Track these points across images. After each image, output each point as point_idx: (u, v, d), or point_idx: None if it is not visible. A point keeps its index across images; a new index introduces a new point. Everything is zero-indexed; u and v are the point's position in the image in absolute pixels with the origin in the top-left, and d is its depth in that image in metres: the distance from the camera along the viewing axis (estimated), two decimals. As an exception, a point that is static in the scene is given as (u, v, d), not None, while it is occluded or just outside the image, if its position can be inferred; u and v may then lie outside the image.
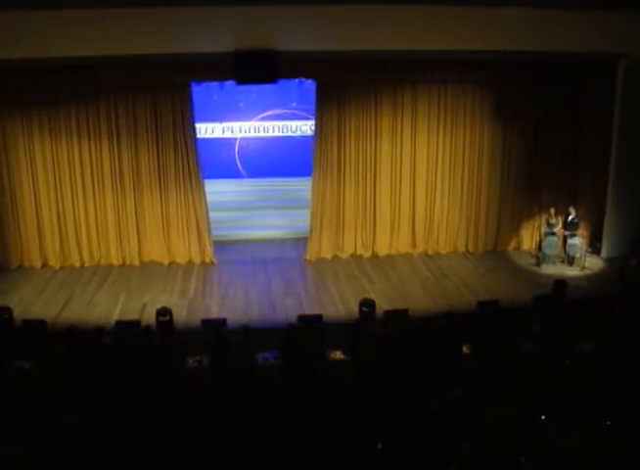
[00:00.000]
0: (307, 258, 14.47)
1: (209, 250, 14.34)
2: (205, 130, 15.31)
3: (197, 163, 13.98)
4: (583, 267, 13.55)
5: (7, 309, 10.30)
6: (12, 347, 9.17)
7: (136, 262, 14.15)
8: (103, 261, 14.14)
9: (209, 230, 14.42)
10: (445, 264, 14.10)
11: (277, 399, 7.71)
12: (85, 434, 6.76)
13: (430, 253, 14.73)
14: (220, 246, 14.90)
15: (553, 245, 13.68)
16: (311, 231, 14.53)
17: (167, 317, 10.05)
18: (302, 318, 9.96)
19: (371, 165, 14.36)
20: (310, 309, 11.37)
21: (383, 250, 14.71)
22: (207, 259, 14.29)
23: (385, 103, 14.05)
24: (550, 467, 6.28)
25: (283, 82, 13.49)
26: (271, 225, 15.78)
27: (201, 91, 14.71)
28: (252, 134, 15.52)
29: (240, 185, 15.92)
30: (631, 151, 13.55)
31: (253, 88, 14.68)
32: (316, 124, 14.10)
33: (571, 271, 13.45)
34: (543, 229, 14.07)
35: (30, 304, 12.02)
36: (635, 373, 7.87)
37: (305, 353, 8.94)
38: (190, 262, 14.25)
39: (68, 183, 13.71)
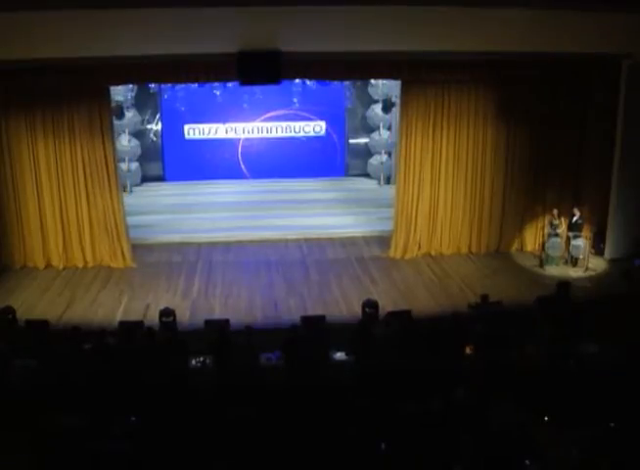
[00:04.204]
0: (392, 255, 14.44)
1: (128, 254, 14.02)
2: (209, 131, 15.31)
3: (115, 167, 13.77)
4: (587, 268, 13.50)
5: (10, 310, 10.34)
6: (15, 347, 9.19)
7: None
8: (106, 262, 14.14)
9: (128, 234, 14.13)
10: (449, 265, 14.04)
11: (280, 400, 7.71)
12: (88, 434, 6.77)
13: (433, 254, 14.69)
14: (224, 247, 14.90)
15: (556, 246, 13.64)
16: (395, 229, 14.52)
17: (171, 318, 10.08)
18: (306, 319, 9.97)
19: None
20: (313, 310, 11.37)
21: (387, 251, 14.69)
22: (127, 264, 13.97)
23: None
24: (554, 469, 6.28)
25: (286, 83, 13.47)
26: (273, 226, 15.77)
27: (204, 92, 14.73)
28: (256, 135, 15.50)
29: (243, 186, 15.92)
30: (635, 151, 13.50)
31: (257, 89, 14.68)
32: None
33: (575, 272, 13.41)
34: (546, 230, 14.01)
35: (34, 304, 12.01)
36: (638, 374, 7.87)
37: (308, 354, 8.95)
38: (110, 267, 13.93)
39: (70, 183, 13.67)
